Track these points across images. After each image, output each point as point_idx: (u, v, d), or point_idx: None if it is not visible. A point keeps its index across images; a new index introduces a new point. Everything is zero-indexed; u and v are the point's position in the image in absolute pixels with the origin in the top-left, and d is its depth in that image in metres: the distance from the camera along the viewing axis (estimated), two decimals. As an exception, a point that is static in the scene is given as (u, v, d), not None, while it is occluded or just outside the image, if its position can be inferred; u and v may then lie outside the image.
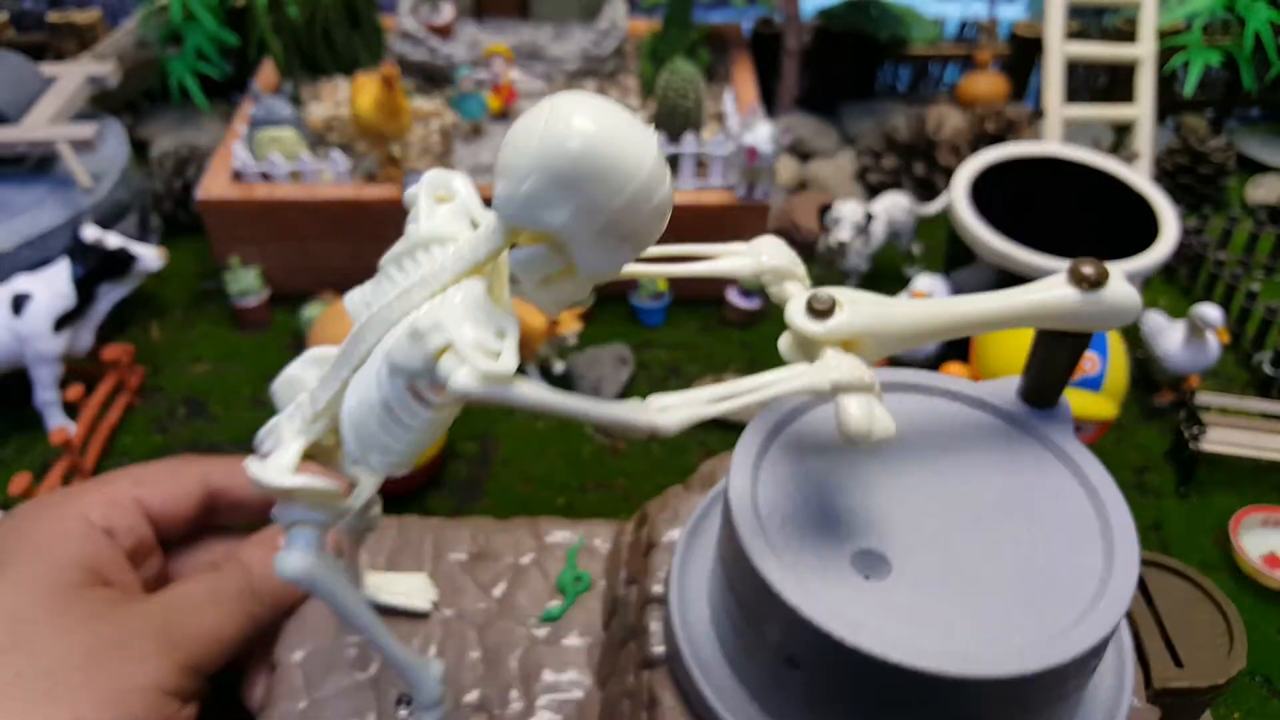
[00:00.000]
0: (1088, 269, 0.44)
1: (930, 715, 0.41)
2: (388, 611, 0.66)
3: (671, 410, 0.38)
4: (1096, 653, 0.41)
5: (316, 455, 0.47)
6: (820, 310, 0.41)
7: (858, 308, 0.42)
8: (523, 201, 0.35)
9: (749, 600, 0.44)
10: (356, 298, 0.43)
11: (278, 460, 0.44)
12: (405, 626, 0.66)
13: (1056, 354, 0.47)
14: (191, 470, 0.66)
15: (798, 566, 0.42)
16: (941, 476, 0.47)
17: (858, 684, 0.41)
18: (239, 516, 0.68)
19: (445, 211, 0.42)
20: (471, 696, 0.62)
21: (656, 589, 0.56)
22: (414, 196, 0.43)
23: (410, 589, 0.67)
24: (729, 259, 0.47)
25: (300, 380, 0.47)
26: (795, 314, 0.42)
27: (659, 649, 0.53)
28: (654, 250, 0.46)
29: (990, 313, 0.44)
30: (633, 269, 0.47)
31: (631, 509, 0.94)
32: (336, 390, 0.44)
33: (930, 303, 0.44)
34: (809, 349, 0.42)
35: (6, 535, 0.57)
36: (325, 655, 0.64)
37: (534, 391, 0.37)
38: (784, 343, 0.43)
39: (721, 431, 1.03)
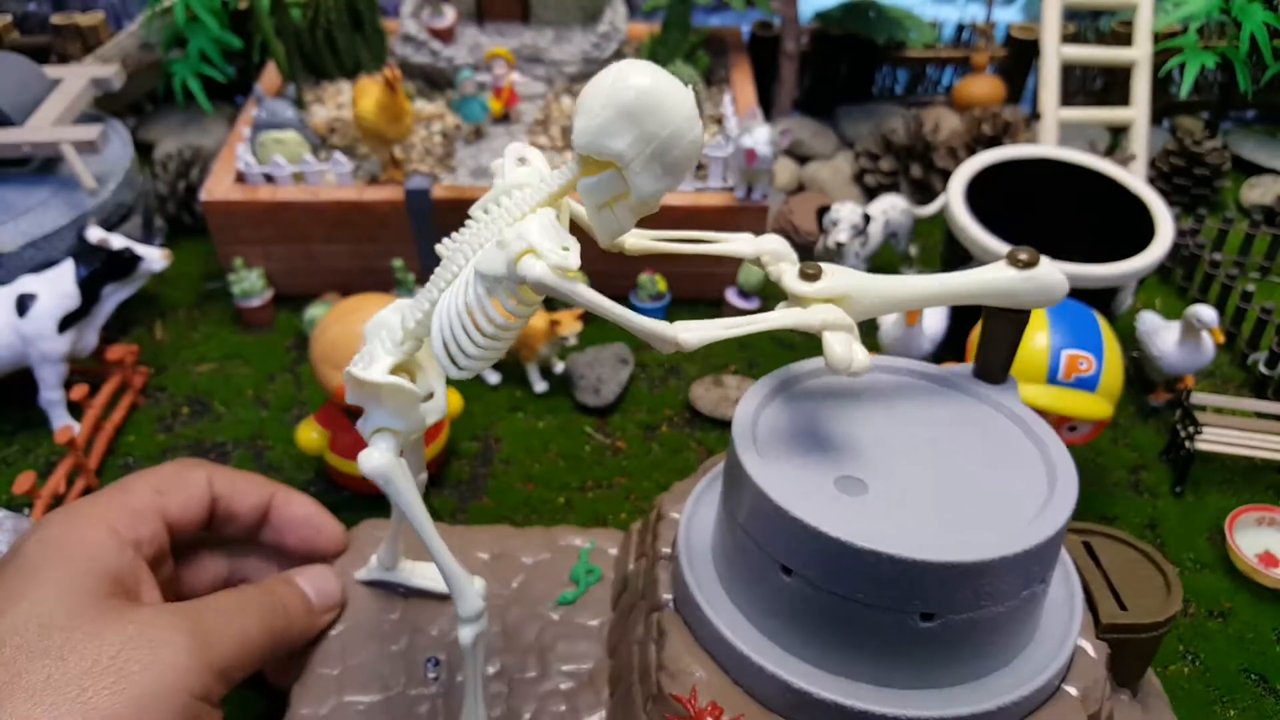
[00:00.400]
0: (1023, 255, 0.53)
1: (900, 603, 0.48)
2: (419, 593, 0.73)
3: (693, 331, 0.48)
4: (1043, 554, 0.49)
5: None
6: (810, 274, 0.52)
7: (840, 275, 0.53)
8: (596, 131, 0.45)
9: (750, 518, 0.52)
10: (447, 241, 0.52)
11: (375, 365, 0.53)
12: (433, 607, 0.73)
13: (1000, 333, 0.56)
14: (199, 475, 0.67)
15: (790, 483, 0.50)
16: (911, 427, 0.57)
17: (839, 578, 0.49)
18: (231, 528, 0.69)
19: (523, 171, 0.52)
20: (494, 667, 0.69)
21: (664, 550, 0.63)
22: (500, 165, 0.53)
23: (436, 574, 0.72)
24: (735, 243, 0.58)
25: (387, 321, 0.56)
26: (790, 279, 0.53)
27: (667, 595, 0.60)
28: (671, 233, 0.58)
29: (946, 288, 0.54)
30: (652, 245, 0.58)
31: (632, 507, 0.95)
32: (426, 311, 0.52)
33: (899, 278, 0.55)
34: (802, 306, 0.52)
35: (36, 545, 0.57)
36: (361, 630, 0.71)
37: (591, 291, 0.47)
38: (781, 307, 0.53)
39: (720, 431, 1.04)
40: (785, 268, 0.55)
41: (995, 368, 0.58)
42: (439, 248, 0.52)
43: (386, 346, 0.54)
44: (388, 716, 0.66)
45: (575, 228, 0.53)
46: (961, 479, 0.53)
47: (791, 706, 0.51)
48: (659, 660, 0.57)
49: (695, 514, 0.62)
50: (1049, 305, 0.54)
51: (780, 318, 0.50)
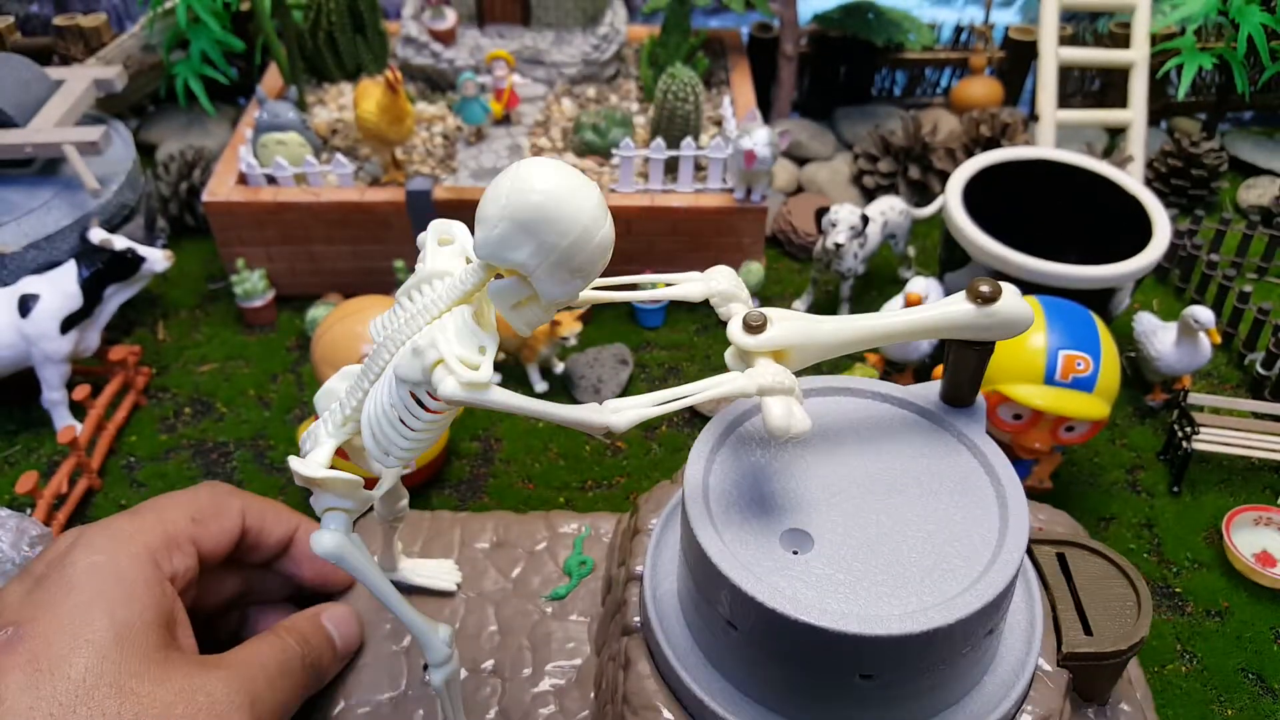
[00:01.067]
0: (984, 288, 0.50)
1: (839, 667, 0.48)
2: (419, 590, 0.75)
3: (623, 411, 0.46)
4: (984, 616, 0.48)
5: (349, 454, 0.57)
6: (754, 326, 0.49)
7: (785, 324, 0.50)
8: (495, 243, 0.44)
9: (699, 573, 0.52)
10: (377, 323, 0.52)
11: (314, 457, 0.53)
12: (433, 605, 0.74)
13: (965, 360, 0.55)
14: (234, 505, 0.67)
15: (735, 544, 0.50)
16: (866, 465, 0.55)
17: (780, 641, 0.49)
18: (253, 556, 0.69)
19: (446, 252, 0.52)
20: (488, 664, 0.71)
21: (639, 568, 0.63)
22: (424, 240, 0.53)
23: (438, 572, 0.76)
24: (684, 285, 0.55)
25: (335, 391, 0.56)
26: (734, 330, 0.50)
27: (636, 619, 0.61)
28: (616, 280, 0.55)
29: (902, 326, 0.52)
30: (598, 295, 0.55)
31: (632, 508, 0.95)
32: (360, 399, 0.53)
33: (851, 318, 0.52)
34: (746, 358, 0.50)
35: (88, 572, 0.56)
36: (365, 632, 0.72)
37: (506, 396, 0.46)
38: (728, 354, 0.51)
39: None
40: (735, 309, 0.53)
41: (962, 392, 0.57)
42: (371, 329, 0.52)
43: (329, 429, 0.54)
44: (391, 718, 0.68)
45: None
46: (910, 527, 0.51)
47: None
48: (625, 691, 0.57)
49: (665, 532, 0.63)
50: (1013, 337, 0.52)
51: (718, 386, 0.48)
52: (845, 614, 0.46)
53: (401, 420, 0.50)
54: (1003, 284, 0.51)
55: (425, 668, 0.70)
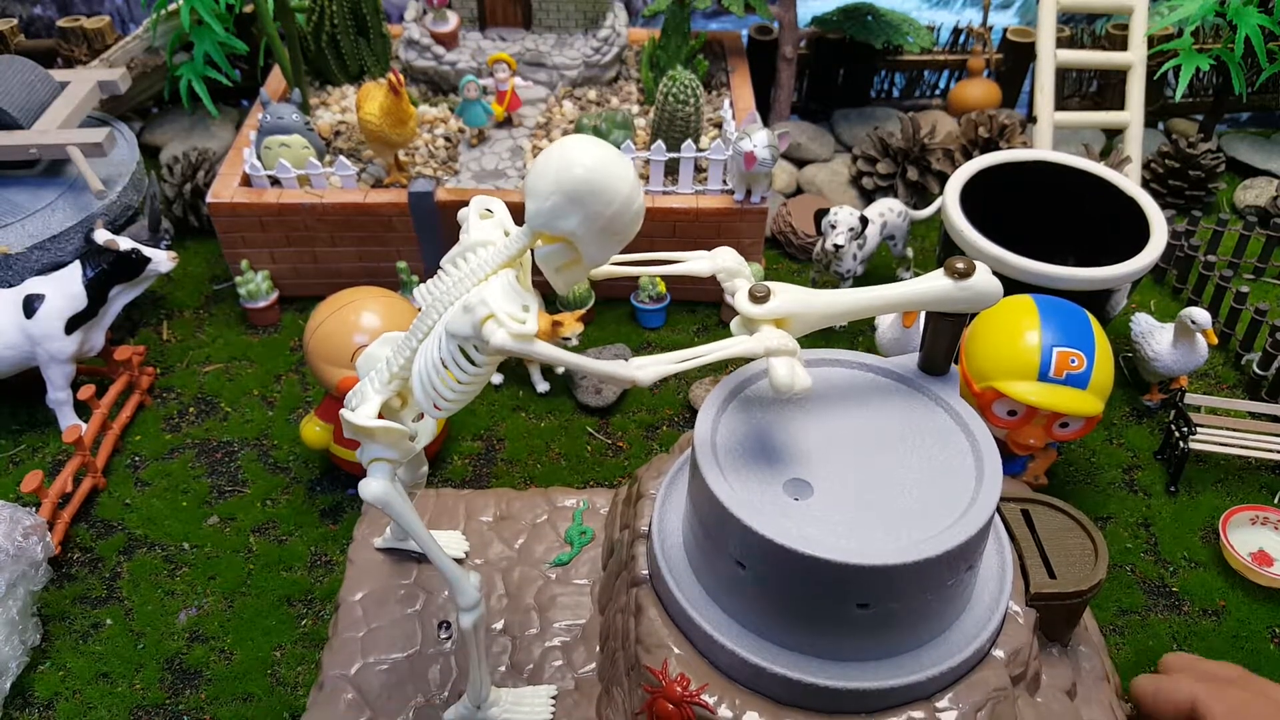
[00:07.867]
0: (960, 265, 0.56)
1: (840, 597, 0.53)
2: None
3: (647, 367, 0.52)
4: (965, 550, 0.53)
5: (385, 414, 0.60)
6: (758, 297, 0.55)
7: (786, 295, 0.56)
8: (547, 214, 0.50)
9: (709, 519, 0.57)
10: (423, 289, 0.56)
11: (363, 410, 0.57)
12: None
13: (941, 331, 0.61)
14: None
15: (744, 492, 0.55)
16: (856, 424, 0.61)
17: (788, 576, 0.54)
18: None
19: (487, 224, 0.56)
20: (498, 625, 0.77)
21: (643, 528, 0.68)
22: (466, 215, 0.57)
23: (447, 542, 0.82)
24: (693, 262, 0.61)
25: (377, 356, 0.60)
26: (740, 300, 0.56)
27: (644, 571, 0.66)
28: (633, 256, 0.61)
29: (886, 299, 0.58)
30: (617, 270, 0.62)
31: (632, 506, 0.96)
32: (408, 357, 0.57)
33: (841, 292, 0.58)
34: (751, 326, 0.56)
35: None
36: (379, 595, 0.78)
37: (548, 348, 0.51)
38: (734, 323, 0.57)
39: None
40: (739, 284, 0.58)
41: (938, 362, 0.63)
42: (417, 295, 0.57)
43: (375, 386, 0.58)
44: (408, 674, 0.73)
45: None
46: (898, 476, 0.57)
47: (750, 678, 0.58)
48: (637, 634, 0.63)
49: (669, 493, 0.67)
50: (985, 309, 0.58)
51: (730, 346, 0.54)
52: (846, 549, 0.52)
53: (450, 374, 0.54)
54: (975, 261, 0.56)
55: (440, 626, 0.75)
